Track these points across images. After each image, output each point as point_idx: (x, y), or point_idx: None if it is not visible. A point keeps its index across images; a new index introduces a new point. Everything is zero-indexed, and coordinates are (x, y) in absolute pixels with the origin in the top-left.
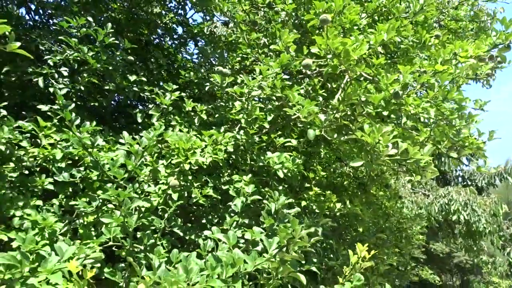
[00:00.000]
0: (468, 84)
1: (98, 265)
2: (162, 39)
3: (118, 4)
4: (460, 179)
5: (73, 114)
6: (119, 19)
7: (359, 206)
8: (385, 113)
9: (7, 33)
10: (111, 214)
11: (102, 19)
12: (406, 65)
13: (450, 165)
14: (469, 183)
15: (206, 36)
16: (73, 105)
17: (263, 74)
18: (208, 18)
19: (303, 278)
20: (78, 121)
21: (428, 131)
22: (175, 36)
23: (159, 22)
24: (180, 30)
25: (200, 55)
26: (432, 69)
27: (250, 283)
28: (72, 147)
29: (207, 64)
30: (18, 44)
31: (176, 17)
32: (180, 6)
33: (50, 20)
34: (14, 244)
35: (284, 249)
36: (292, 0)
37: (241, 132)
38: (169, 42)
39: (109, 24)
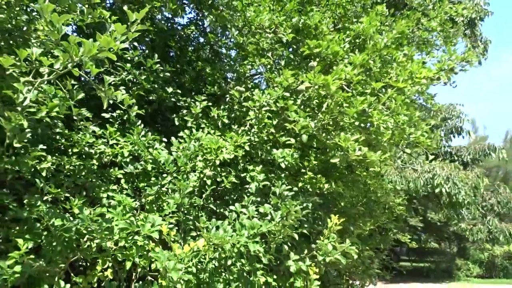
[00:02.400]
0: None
1: (176, 228)
2: (184, 46)
3: (152, 24)
4: (448, 155)
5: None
6: (153, 39)
7: (342, 186)
8: (357, 123)
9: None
10: (172, 196)
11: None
12: (378, 80)
13: (438, 143)
14: (456, 158)
15: (222, 42)
16: (140, 121)
17: (270, 95)
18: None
19: (296, 236)
20: (143, 132)
21: (389, 134)
22: (193, 43)
23: (182, 33)
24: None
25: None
26: (396, 85)
27: (262, 240)
28: (140, 149)
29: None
30: (136, 107)
31: (197, 27)
32: (198, 17)
33: None
34: (107, 216)
35: (284, 218)
36: (291, 30)
37: (254, 133)
38: (191, 49)
39: (156, 55)
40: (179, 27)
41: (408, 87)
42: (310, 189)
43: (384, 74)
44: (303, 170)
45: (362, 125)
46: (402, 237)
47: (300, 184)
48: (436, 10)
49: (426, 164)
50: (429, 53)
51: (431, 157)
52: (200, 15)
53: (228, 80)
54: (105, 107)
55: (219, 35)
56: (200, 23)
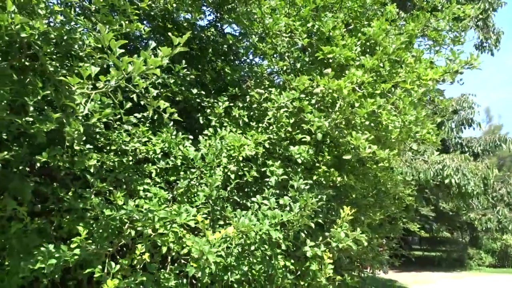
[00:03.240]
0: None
1: (209, 217)
2: (205, 47)
3: (177, 31)
4: (458, 146)
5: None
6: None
7: (353, 179)
8: (367, 122)
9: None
10: (202, 189)
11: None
12: (387, 81)
13: (449, 134)
14: (466, 149)
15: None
16: (172, 122)
17: (288, 97)
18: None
19: (312, 224)
20: (174, 132)
21: (397, 132)
22: (212, 43)
23: (203, 35)
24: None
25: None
26: (404, 86)
27: (282, 228)
28: (171, 146)
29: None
30: (176, 114)
31: (216, 30)
32: (217, 19)
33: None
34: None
35: (302, 209)
36: (306, 35)
37: (273, 132)
38: (211, 51)
39: (183, 61)
40: (199, 28)
41: (416, 88)
42: (324, 182)
43: (393, 74)
44: (317, 165)
45: (372, 124)
46: (411, 226)
47: (314, 178)
48: (444, 12)
49: (433, 156)
50: (438, 52)
51: (436, 153)
52: (219, 17)
53: (246, 79)
54: (150, 115)
55: (238, 37)
56: (219, 25)
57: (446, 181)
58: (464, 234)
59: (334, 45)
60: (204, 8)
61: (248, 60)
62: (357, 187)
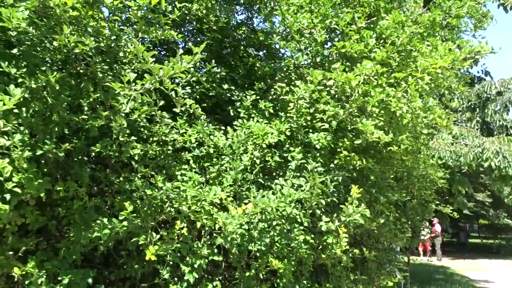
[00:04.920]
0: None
1: (233, 197)
2: (237, 46)
3: (210, 33)
4: (504, 128)
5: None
6: (211, 44)
7: (371, 163)
8: (377, 110)
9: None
10: (230, 173)
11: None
12: (401, 71)
13: (492, 116)
14: (511, 132)
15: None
16: (204, 116)
17: (305, 90)
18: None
19: (323, 202)
20: (205, 124)
21: (408, 118)
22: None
23: (235, 34)
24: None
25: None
26: (415, 75)
27: (301, 206)
28: (204, 137)
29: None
30: (199, 109)
31: (248, 28)
32: (248, 18)
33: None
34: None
35: (312, 188)
36: (325, 31)
37: (294, 121)
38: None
39: (213, 61)
40: (233, 27)
41: (425, 77)
42: (345, 166)
43: (408, 64)
44: (338, 150)
45: (383, 111)
46: (444, 209)
47: (336, 161)
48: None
49: (442, 139)
50: (459, 38)
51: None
52: (250, 16)
53: (276, 72)
54: (178, 110)
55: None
56: (249, 23)
57: (486, 164)
58: None
59: (348, 39)
60: (238, 7)
61: (280, 54)
62: (375, 169)
